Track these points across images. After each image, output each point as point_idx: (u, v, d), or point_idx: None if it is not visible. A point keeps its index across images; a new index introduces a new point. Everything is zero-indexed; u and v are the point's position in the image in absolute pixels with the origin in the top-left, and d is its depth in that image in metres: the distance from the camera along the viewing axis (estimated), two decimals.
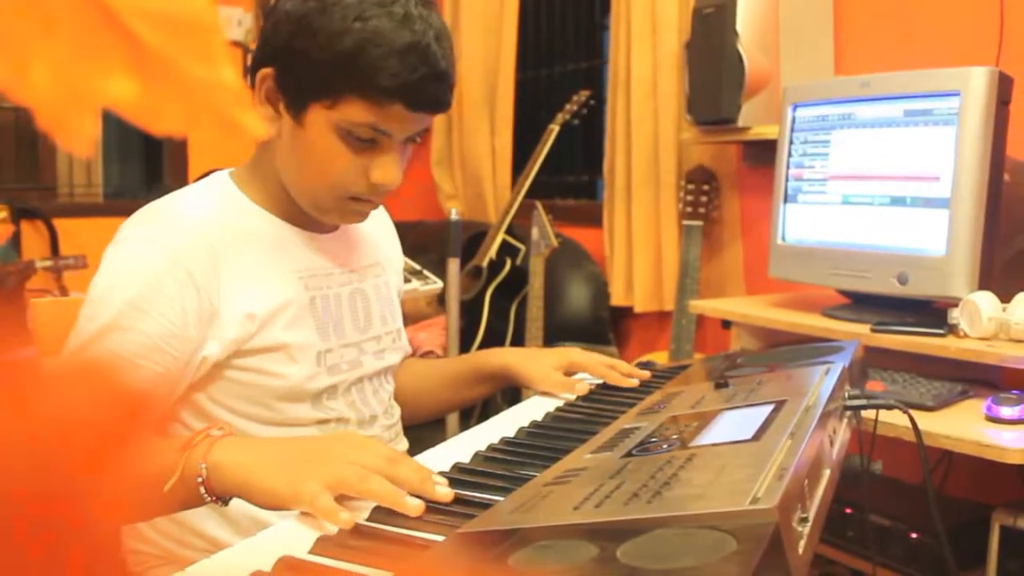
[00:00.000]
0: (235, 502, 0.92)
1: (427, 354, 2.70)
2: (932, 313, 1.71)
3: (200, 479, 0.87)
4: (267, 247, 1.12)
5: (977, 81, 1.60)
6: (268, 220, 1.14)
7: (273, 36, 1.07)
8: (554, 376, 1.30)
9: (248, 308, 1.07)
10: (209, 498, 0.88)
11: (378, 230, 1.33)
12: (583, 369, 1.34)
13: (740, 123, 2.28)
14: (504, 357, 1.37)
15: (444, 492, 0.85)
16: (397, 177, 1.10)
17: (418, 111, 1.07)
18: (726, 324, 2.10)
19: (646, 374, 1.32)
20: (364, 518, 0.82)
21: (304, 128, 1.07)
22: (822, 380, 1.00)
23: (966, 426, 1.41)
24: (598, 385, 1.32)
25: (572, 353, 1.35)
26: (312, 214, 1.15)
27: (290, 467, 0.87)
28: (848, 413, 1.06)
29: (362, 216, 1.17)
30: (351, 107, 1.04)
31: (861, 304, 1.82)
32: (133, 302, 1.00)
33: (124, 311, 1.00)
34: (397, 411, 1.29)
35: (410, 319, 1.83)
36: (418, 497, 0.83)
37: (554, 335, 2.86)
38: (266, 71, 1.07)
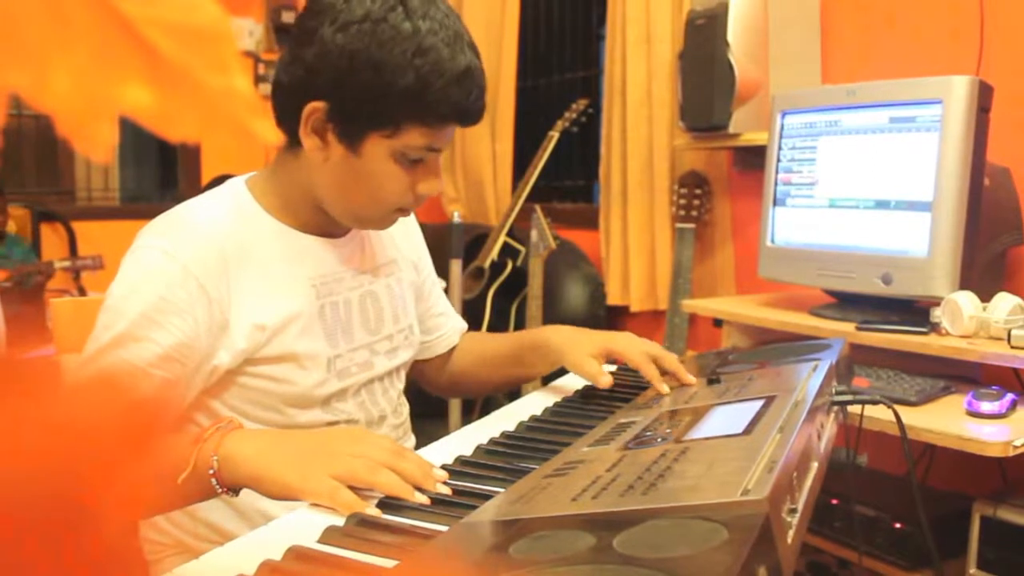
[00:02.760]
0: (245, 496, 0.92)
1: None
2: (915, 312, 1.71)
3: (212, 471, 0.87)
4: (278, 257, 1.11)
5: (958, 89, 1.60)
6: (280, 229, 1.12)
7: (323, 69, 1.02)
8: (587, 364, 1.24)
9: (258, 319, 1.06)
10: (220, 489, 0.88)
11: (394, 227, 1.28)
12: (621, 357, 1.27)
13: (731, 130, 2.28)
14: (547, 334, 1.32)
15: (443, 488, 0.85)
16: (442, 186, 1.12)
17: (467, 126, 1.09)
18: (718, 323, 2.10)
19: (690, 381, 1.19)
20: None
21: (360, 157, 1.05)
22: (810, 376, 1.00)
23: (948, 420, 1.41)
24: (626, 375, 1.27)
25: (616, 340, 1.27)
26: (353, 226, 1.16)
27: (300, 460, 0.87)
28: (835, 408, 1.06)
29: (395, 221, 1.18)
30: (411, 134, 1.04)
31: (847, 303, 1.82)
32: (146, 313, 1.00)
33: (138, 321, 0.99)
34: (405, 409, 1.28)
35: None
36: (418, 490, 0.84)
37: None
38: (316, 105, 1.03)
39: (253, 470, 0.87)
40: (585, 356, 1.25)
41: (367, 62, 1.00)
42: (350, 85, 1.01)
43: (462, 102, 1.04)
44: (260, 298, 1.07)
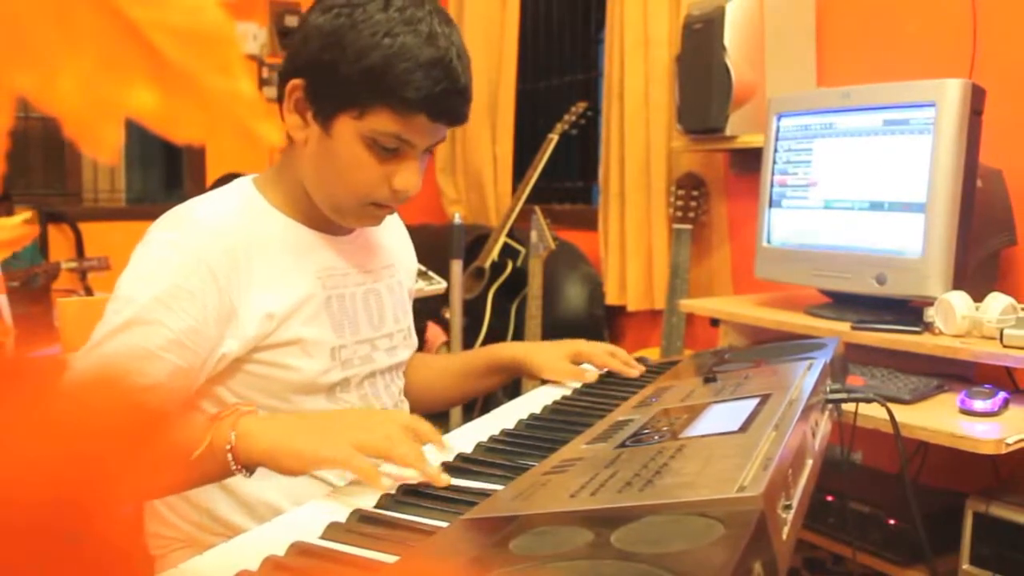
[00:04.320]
0: (251, 488, 0.92)
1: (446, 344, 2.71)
2: (909, 312, 1.71)
3: (228, 446, 0.87)
4: (286, 249, 1.11)
5: (951, 92, 1.60)
6: (288, 223, 1.13)
7: (303, 49, 1.06)
8: (562, 365, 1.32)
9: (268, 307, 1.07)
10: (235, 467, 0.88)
11: (392, 234, 1.32)
12: (587, 358, 1.35)
13: (727, 132, 2.28)
14: (514, 350, 1.39)
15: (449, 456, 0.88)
16: (417, 184, 1.10)
17: (439, 122, 1.07)
18: (714, 322, 2.10)
19: (633, 373, 1.34)
20: (372, 505, 0.82)
21: (332, 137, 1.06)
22: (805, 375, 1.00)
23: (941, 418, 1.41)
24: (601, 374, 1.33)
25: (577, 343, 1.38)
26: (331, 217, 1.15)
27: (317, 432, 0.89)
28: (829, 406, 1.06)
29: (378, 220, 1.17)
30: (378, 118, 1.04)
31: (842, 303, 1.82)
32: (158, 298, 1.00)
33: (149, 306, 1.00)
34: (406, 406, 1.29)
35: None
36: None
37: (552, 333, 2.86)
38: (296, 82, 1.06)
39: (269, 444, 0.88)
40: (557, 359, 1.33)
41: (337, 42, 1.03)
42: (323, 64, 1.04)
43: (427, 90, 1.02)
44: (268, 288, 1.08)
